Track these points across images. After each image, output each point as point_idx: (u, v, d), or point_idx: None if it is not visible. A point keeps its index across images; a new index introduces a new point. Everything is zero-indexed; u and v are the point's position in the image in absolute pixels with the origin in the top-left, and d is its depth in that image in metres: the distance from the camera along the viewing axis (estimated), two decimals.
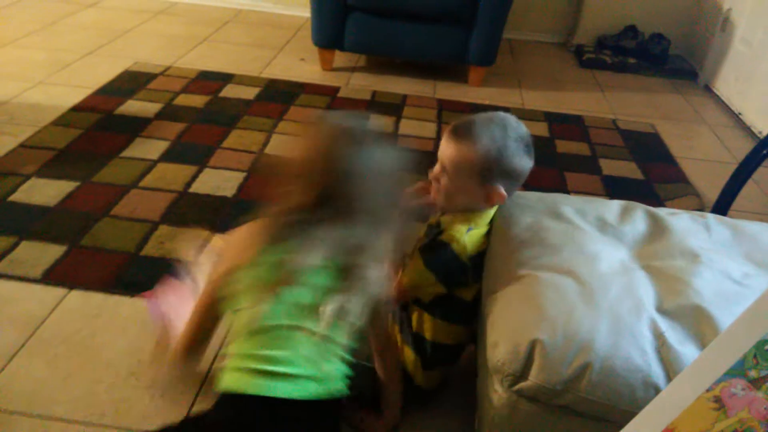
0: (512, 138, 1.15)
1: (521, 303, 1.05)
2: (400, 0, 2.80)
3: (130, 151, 2.16)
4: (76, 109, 2.41)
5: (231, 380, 0.97)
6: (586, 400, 0.95)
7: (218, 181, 2.03)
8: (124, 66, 2.83)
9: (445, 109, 2.74)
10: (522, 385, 0.98)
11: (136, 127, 2.32)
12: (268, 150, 2.25)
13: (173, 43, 3.19)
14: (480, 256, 1.19)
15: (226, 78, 2.80)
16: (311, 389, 0.97)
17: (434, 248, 1.18)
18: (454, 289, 1.20)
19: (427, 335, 1.24)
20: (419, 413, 1.30)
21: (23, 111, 2.36)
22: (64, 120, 2.32)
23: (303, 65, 3.06)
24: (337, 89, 2.82)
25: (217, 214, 1.87)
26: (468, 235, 1.17)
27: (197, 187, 1.99)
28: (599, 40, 3.68)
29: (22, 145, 2.12)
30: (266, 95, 2.68)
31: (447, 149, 1.16)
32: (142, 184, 1.98)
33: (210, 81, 2.76)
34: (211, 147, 2.23)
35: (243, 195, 1.97)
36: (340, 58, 3.09)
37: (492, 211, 1.23)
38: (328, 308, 0.97)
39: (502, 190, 1.16)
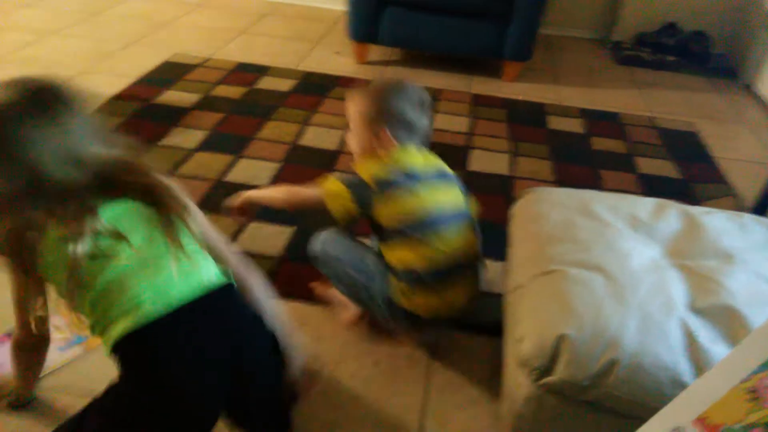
0: (399, 91, 1.36)
1: (549, 298, 1.06)
2: None
3: (169, 140, 2.21)
4: (118, 97, 2.48)
5: (115, 334, 0.90)
6: (613, 396, 0.95)
7: (254, 170, 2.07)
8: (165, 57, 2.89)
9: (478, 104, 2.74)
10: (548, 379, 0.99)
11: (175, 116, 2.38)
12: (302, 142, 2.28)
13: (212, 35, 3.24)
14: (380, 185, 1.28)
15: (262, 70, 2.84)
16: (191, 283, 0.93)
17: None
18: (368, 210, 1.28)
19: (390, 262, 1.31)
20: (444, 405, 1.31)
21: None
22: (106, 108, 2.38)
23: (338, 58, 3.08)
24: (370, 82, 2.83)
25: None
26: (371, 170, 1.31)
27: (233, 177, 2.03)
28: (638, 37, 3.62)
29: None
30: (302, 88, 2.71)
31: (348, 108, 1.39)
32: (179, 172, 2.04)
33: (247, 73, 2.81)
34: (247, 137, 2.27)
35: (277, 183, 2.01)
36: (374, 51, 3.11)
37: (393, 157, 1.32)
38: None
39: (389, 133, 1.32)
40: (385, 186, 1.27)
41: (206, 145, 2.20)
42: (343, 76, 2.86)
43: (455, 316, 1.36)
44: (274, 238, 1.76)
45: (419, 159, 1.34)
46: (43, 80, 0.94)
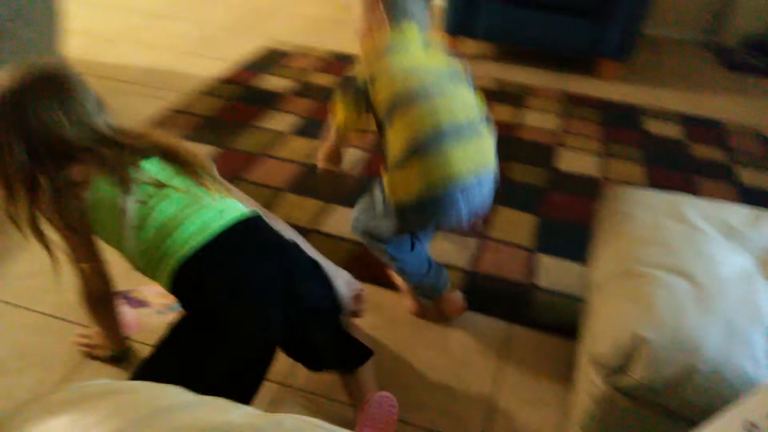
0: None
1: (630, 299, 1.04)
2: None
3: (263, 123, 2.31)
4: (220, 80, 2.61)
5: (169, 269, 1.01)
6: (689, 403, 0.92)
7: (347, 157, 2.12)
8: (264, 43, 3.01)
9: (572, 102, 2.68)
10: (622, 380, 0.97)
11: (271, 100, 2.48)
12: None
13: (312, 24, 3.34)
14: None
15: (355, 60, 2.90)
16: (228, 217, 1.05)
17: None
18: (367, 109, 1.30)
19: (389, 194, 1.29)
20: (513, 400, 1.31)
21: (172, 78, 2.59)
22: (209, 89, 2.51)
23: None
24: None
25: (335, 188, 1.96)
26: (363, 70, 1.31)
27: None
28: (748, 40, 3.41)
29: (173, 111, 2.33)
30: None
31: None
32: (272, 153, 2.12)
33: (342, 62, 2.88)
34: None
35: (366, 171, 2.05)
36: (467, 46, 3.10)
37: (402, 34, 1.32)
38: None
39: (382, 6, 1.32)
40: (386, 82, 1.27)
41: (297, 130, 2.28)
42: None
43: (456, 186, 1.24)
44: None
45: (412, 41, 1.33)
46: (54, 65, 1.09)
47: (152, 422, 0.49)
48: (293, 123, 2.32)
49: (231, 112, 2.37)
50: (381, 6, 1.34)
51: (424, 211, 1.27)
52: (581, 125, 2.49)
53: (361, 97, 1.30)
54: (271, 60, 2.84)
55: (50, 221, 1.05)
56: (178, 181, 1.06)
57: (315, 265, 1.13)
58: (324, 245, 1.64)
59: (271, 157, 2.10)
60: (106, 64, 2.67)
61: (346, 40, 3.14)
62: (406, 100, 1.24)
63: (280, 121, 2.33)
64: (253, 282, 1.01)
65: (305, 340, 1.08)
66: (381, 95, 1.26)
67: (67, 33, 2.55)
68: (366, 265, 1.61)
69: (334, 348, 1.14)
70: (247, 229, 1.06)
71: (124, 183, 1.02)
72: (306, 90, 2.59)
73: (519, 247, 1.77)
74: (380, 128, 1.31)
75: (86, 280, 1.14)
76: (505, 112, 2.53)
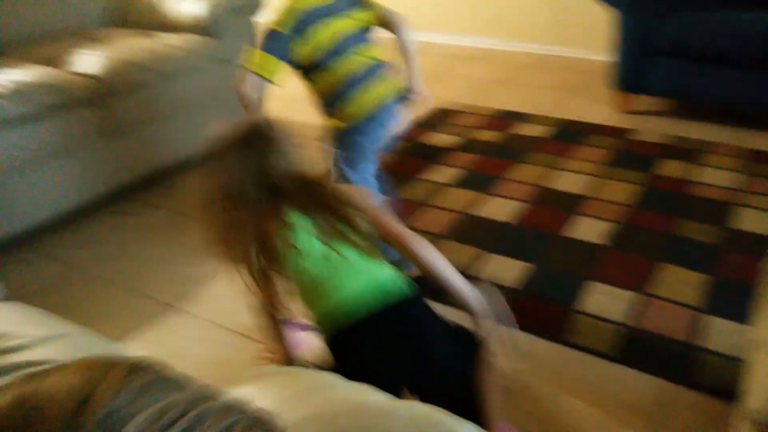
0: None
1: None
2: (717, 44, 2.65)
3: (428, 175, 2.46)
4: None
5: (323, 333, 1.16)
6: None
7: (497, 207, 2.20)
8: (434, 103, 3.21)
9: (757, 160, 2.49)
10: None
11: (436, 155, 2.63)
12: (548, 184, 2.35)
13: (478, 85, 3.50)
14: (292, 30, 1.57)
15: (520, 117, 2.99)
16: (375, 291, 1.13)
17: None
18: (288, 56, 1.57)
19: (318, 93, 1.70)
20: None
21: None
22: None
23: (598, 107, 3.08)
24: (630, 131, 2.79)
25: (494, 237, 2.03)
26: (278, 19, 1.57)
27: (477, 210, 2.19)
28: None
29: None
30: (557, 134, 2.79)
31: None
32: (434, 202, 2.26)
33: (505, 119, 2.97)
34: (497, 177, 2.41)
35: (521, 222, 2.10)
36: (638, 101, 3.04)
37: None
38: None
39: None
40: (296, 30, 1.56)
41: (459, 181, 2.40)
42: (602, 125, 2.86)
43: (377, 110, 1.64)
44: (511, 270, 1.86)
45: None
46: (255, 120, 1.29)
47: (310, 394, 0.60)
48: (456, 175, 2.45)
49: (400, 164, 2.56)
50: None
51: (353, 134, 1.67)
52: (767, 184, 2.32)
53: (285, 53, 1.57)
54: (439, 118, 3.02)
55: (245, 258, 1.20)
56: (321, 244, 1.17)
57: (451, 331, 1.21)
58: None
59: (433, 206, 2.24)
60: (297, 122, 3.02)
61: (509, 99, 3.24)
62: (329, 56, 1.61)
63: (444, 174, 2.47)
64: (390, 366, 1.12)
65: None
66: (305, 50, 1.59)
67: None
68: (524, 313, 1.65)
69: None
70: (397, 309, 1.15)
71: (281, 235, 1.17)
72: (470, 145, 2.72)
73: (685, 305, 1.69)
74: (306, 74, 1.67)
75: (262, 305, 1.32)
76: (678, 168, 2.44)
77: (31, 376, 0.33)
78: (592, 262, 1.88)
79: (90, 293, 1.86)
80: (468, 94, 3.36)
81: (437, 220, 2.14)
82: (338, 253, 1.16)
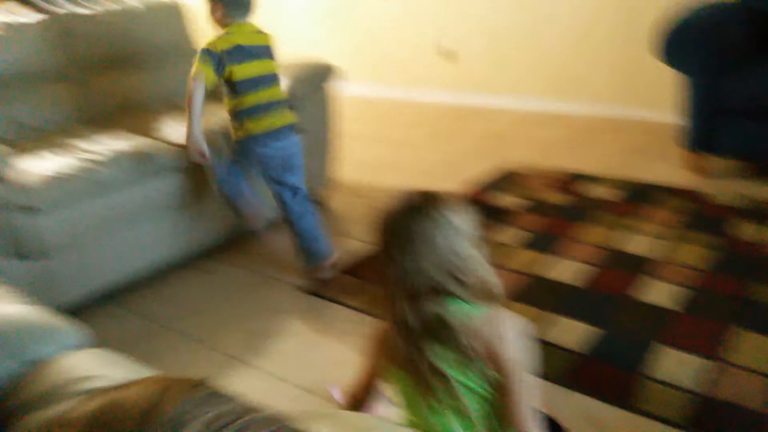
0: None
1: None
2: None
3: (494, 236, 2.49)
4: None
5: None
6: None
7: (570, 270, 2.19)
8: (502, 166, 3.26)
9: None
10: None
11: (504, 217, 2.67)
12: (618, 246, 2.32)
13: (549, 147, 3.54)
14: (228, 53, 2.06)
15: (588, 179, 2.99)
16: None
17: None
18: (223, 74, 2.07)
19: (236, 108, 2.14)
20: None
21: None
22: None
23: (668, 168, 3.05)
24: (702, 193, 2.73)
25: (560, 299, 2.02)
26: (214, 40, 2.07)
27: (550, 274, 2.19)
28: None
29: None
30: (626, 195, 2.77)
31: None
32: (499, 263, 2.28)
33: (573, 181, 2.98)
34: (564, 239, 2.41)
35: (589, 285, 2.09)
36: (709, 162, 2.98)
37: (238, 29, 2.11)
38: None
39: (219, 10, 2.10)
40: (231, 57, 2.04)
41: (525, 243, 2.42)
42: (673, 187, 2.82)
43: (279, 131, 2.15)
44: (576, 333, 1.84)
45: (248, 34, 2.12)
46: (428, 192, 1.11)
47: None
48: (521, 237, 2.47)
49: None
50: (222, 11, 2.09)
51: (250, 144, 2.13)
52: None
53: (220, 67, 2.04)
54: (505, 179, 3.07)
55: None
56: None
57: None
58: (544, 354, 1.71)
59: (498, 267, 2.25)
60: (368, 186, 3.16)
61: (577, 161, 3.25)
62: (252, 82, 2.10)
63: (509, 235, 2.49)
64: None
65: None
66: (238, 74, 2.07)
67: (341, 162, 3.10)
68: (590, 377, 1.63)
69: None
70: None
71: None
72: (536, 206, 2.74)
73: (761, 374, 1.62)
74: (231, 89, 2.11)
75: (359, 382, 1.26)
76: (752, 231, 2.37)
77: (113, 387, 0.41)
78: (662, 326, 1.84)
79: (169, 346, 1.98)
80: (534, 156, 3.39)
81: (505, 283, 2.14)
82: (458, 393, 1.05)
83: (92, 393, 0.41)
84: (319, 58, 2.95)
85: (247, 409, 0.42)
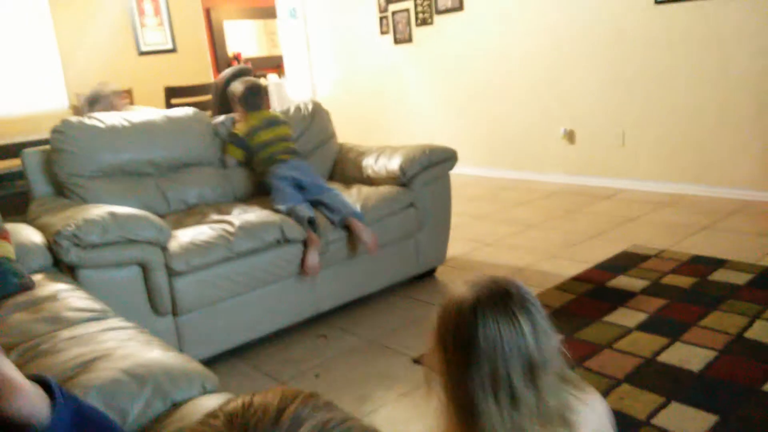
0: (240, 82, 3.07)
1: None
2: None
3: (611, 318, 2.43)
4: (574, 278, 2.86)
5: None
6: None
7: (687, 355, 2.09)
8: (623, 247, 3.19)
9: None
10: None
11: (622, 298, 2.60)
12: (747, 334, 2.18)
13: (673, 230, 3.41)
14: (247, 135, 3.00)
15: (718, 263, 2.84)
16: None
17: None
18: (246, 147, 3.00)
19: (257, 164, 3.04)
20: None
21: (535, 275, 2.96)
22: (563, 286, 2.79)
23: None
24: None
25: (678, 385, 1.93)
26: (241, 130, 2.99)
27: (665, 357, 2.10)
28: None
29: None
30: (760, 282, 2.59)
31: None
32: (615, 346, 2.22)
33: (700, 265, 2.85)
34: (688, 323, 2.31)
35: (709, 372, 1.98)
36: None
37: (253, 116, 3.03)
38: None
39: (243, 108, 3.03)
40: (249, 135, 2.95)
41: (645, 326, 2.33)
42: None
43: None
44: (694, 422, 1.75)
45: (260, 118, 3.00)
46: (506, 282, 0.98)
47: None
48: (640, 320, 2.39)
49: (581, 306, 2.57)
50: (240, 107, 3.03)
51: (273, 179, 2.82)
52: None
53: (243, 144, 2.97)
54: (627, 261, 2.99)
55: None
56: None
57: None
58: None
59: (615, 349, 2.20)
60: (482, 263, 3.21)
61: (706, 245, 3.10)
62: (262, 145, 2.95)
63: (629, 317, 2.42)
64: None
65: None
66: (254, 142, 2.94)
67: (455, 238, 3.20)
68: None
69: None
70: None
71: None
72: (659, 290, 2.64)
73: None
74: (250, 154, 2.98)
75: None
76: None
77: (243, 396, 0.54)
78: None
79: None
80: (661, 238, 3.28)
81: (618, 364, 2.10)
82: None
83: (228, 400, 0.54)
84: (443, 143, 3.14)
85: (351, 417, 0.53)
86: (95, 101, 3.09)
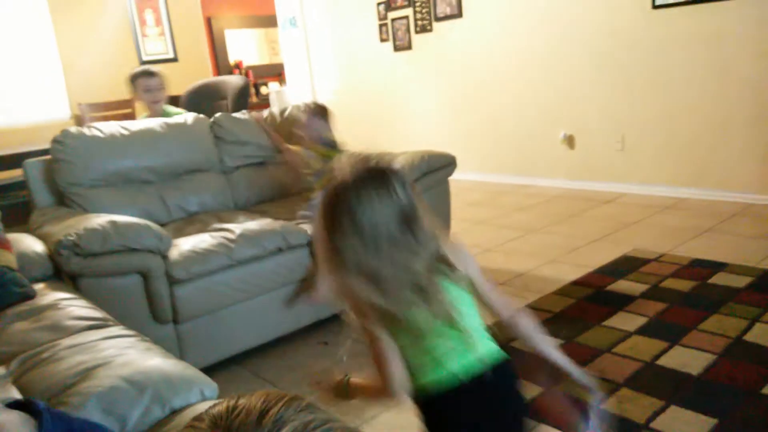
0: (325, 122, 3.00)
1: None
2: None
3: (611, 322, 2.44)
4: (574, 283, 2.87)
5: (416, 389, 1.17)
6: None
7: (686, 358, 2.10)
8: (623, 251, 3.19)
9: None
10: None
11: (622, 302, 2.60)
12: (747, 337, 2.18)
13: (673, 233, 3.41)
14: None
15: (718, 266, 2.84)
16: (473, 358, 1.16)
17: None
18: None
19: None
20: None
21: (534, 281, 2.96)
22: (563, 291, 2.79)
23: None
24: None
25: (677, 388, 1.93)
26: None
27: (664, 361, 2.10)
28: None
29: (528, 306, 2.66)
30: (759, 285, 2.60)
31: None
32: (615, 350, 2.22)
33: (701, 268, 2.85)
34: (687, 327, 2.31)
35: (707, 375, 1.98)
36: None
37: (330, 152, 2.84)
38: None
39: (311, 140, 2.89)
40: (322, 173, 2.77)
41: (644, 330, 2.34)
42: None
43: None
44: (692, 425, 1.75)
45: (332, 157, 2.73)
46: (379, 159, 1.16)
47: None
48: (640, 323, 2.39)
49: (581, 310, 2.57)
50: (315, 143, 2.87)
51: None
52: None
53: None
54: (627, 265, 2.99)
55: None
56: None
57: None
58: None
59: (615, 354, 2.20)
60: (482, 268, 3.21)
61: (707, 248, 3.11)
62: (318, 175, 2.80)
63: (628, 321, 2.42)
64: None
65: None
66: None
67: None
68: None
69: None
70: (486, 382, 1.17)
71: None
72: (659, 293, 2.64)
73: None
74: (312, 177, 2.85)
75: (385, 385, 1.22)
76: None
77: (229, 398, 0.55)
78: None
79: None
80: (661, 242, 3.28)
81: (617, 369, 2.10)
82: (457, 318, 1.16)
83: (214, 404, 0.56)
84: (442, 149, 3.15)
85: (332, 419, 0.54)
86: None
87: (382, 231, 1.10)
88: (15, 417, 0.76)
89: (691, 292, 2.62)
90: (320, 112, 3.01)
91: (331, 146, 2.90)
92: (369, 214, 1.10)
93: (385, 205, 1.11)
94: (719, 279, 2.71)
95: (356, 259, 1.11)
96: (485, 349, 1.20)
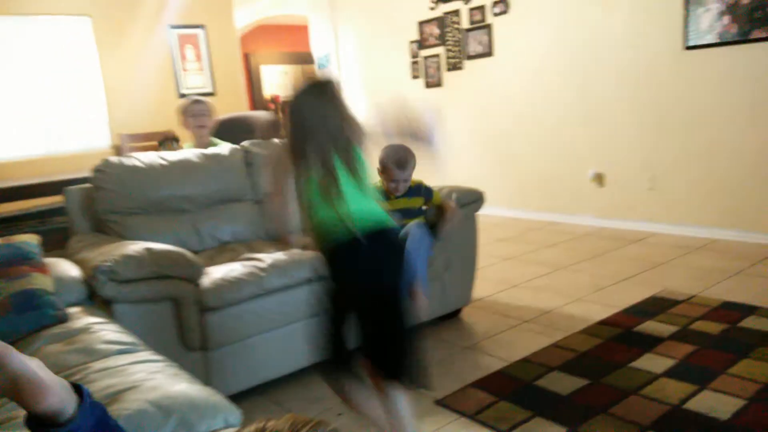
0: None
1: None
2: None
3: (638, 363, 2.40)
4: (602, 322, 2.84)
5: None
6: None
7: (715, 403, 2.05)
8: (652, 292, 3.15)
9: None
10: None
11: (650, 344, 2.56)
12: None
13: (704, 275, 3.36)
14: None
15: (749, 310, 2.78)
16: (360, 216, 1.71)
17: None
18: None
19: None
20: None
21: (561, 319, 2.94)
22: (590, 330, 2.76)
23: None
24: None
25: None
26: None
27: (692, 405, 2.06)
28: None
29: (553, 345, 2.64)
30: None
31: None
32: (642, 392, 2.19)
33: (731, 311, 2.80)
34: (716, 371, 2.26)
35: (736, 421, 1.94)
36: None
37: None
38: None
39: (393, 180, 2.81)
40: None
41: (672, 373, 2.30)
42: None
43: None
44: None
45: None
46: (324, 76, 1.90)
47: None
48: (668, 366, 2.35)
49: (608, 351, 2.54)
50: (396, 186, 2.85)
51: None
52: None
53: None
54: (656, 306, 2.95)
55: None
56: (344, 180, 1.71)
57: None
58: None
59: (642, 396, 2.16)
60: (508, 304, 3.21)
61: (739, 291, 3.05)
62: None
63: (656, 363, 2.38)
64: (352, 274, 1.76)
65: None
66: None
67: (482, 279, 3.21)
68: None
69: (374, 339, 1.81)
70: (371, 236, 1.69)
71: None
72: (688, 335, 2.60)
73: None
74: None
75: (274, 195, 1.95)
76: None
77: (258, 421, 0.59)
78: None
79: None
80: (692, 283, 3.24)
81: (644, 411, 2.06)
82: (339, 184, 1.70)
83: (244, 426, 0.60)
84: (471, 184, 3.18)
85: None
86: None
87: (316, 122, 1.72)
88: (66, 383, 0.81)
89: (720, 335, 2.57)
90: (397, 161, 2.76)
91: (416, 193, 2.92)
92: (307, 110, 1.73)
93: (319, 104, 1.74)
94: (750, 322, 2.66)
95: (293, 141, 1.75)
96: (361, 223, 1.69)
